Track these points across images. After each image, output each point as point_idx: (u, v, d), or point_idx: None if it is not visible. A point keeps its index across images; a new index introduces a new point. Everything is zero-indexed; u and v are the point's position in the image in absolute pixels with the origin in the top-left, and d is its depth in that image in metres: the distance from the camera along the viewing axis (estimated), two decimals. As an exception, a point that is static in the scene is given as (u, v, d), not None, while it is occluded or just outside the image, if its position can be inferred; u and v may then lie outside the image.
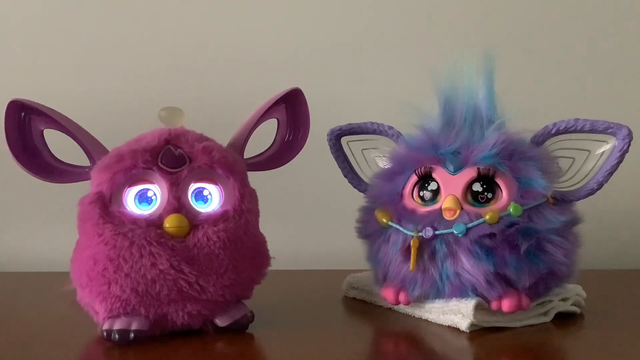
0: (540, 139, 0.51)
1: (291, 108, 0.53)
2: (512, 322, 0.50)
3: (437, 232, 0.49)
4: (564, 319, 0.53)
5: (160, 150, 0.47)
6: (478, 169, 0.50)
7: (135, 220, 0.45)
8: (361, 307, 0.58)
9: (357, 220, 0.57)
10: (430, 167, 0.52)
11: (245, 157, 0.52)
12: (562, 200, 0.50)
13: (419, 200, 0.52)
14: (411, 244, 0.49)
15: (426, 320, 0.52)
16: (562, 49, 0.87)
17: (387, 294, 0.53)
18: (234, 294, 0.48)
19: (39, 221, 0.81)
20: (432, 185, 0.52)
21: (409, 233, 0.50)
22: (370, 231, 0.54)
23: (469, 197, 0.50)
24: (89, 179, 0.48)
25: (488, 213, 0.48)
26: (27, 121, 0.46)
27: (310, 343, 0.47)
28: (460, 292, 0.49)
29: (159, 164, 0.46)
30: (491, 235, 0.48)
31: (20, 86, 0.79)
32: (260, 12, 0.84)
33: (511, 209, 0.48)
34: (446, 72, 0.53)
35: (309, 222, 0.84)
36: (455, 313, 0.49)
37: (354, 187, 0.61)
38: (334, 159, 0.61)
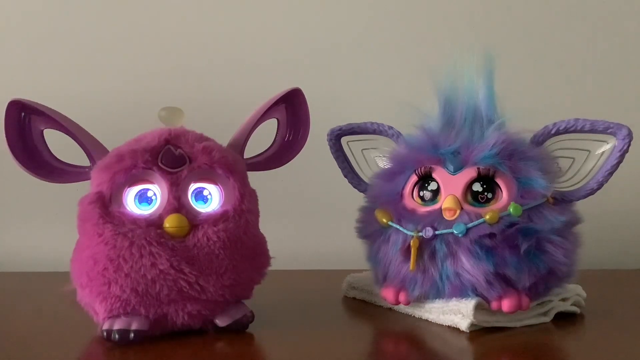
0: (540, 139, 0.51)
1: (291, 108, 0.53)
2: (512, 322, 0.50)
3: (437, 232, 0.49)
4: (564, 319, 0.53)
5: (160, 150, 0.47)
6: (478, 169, 0.50)
7: (135, 220, 0.45)
8: (361, 307, 0.58)
9: (357, 220, 0.57)
10: (430, 167, 0.52)
11: (245, 157, 0.52)
12: (562, 200, 0.50)
13: (419, 200, 0.52)
14: (411, 244, 0.49)
15: (426, 320, 0.52)
16: (562, 49, 0.87)
17: (387, 294, 0.53)
18: (234, 294, 0.48)
19: (39, 221, 0.81)
20: (432, 185, 0.52)
21: (409, 233, 0.50)
22: (370, 231, 0.54)
23: (469, 197, 0.50)
24: (89, 179, 0.48)
25: (488, 213, 0.48)
26: (27, 121, 0.46)
27: (310, 343, 0.47)
28: (460, 292, 0.49)
29: (159, 164, 0.46)
30: (491, 235, 0.48)
31: (20, 86, 0.78)
32: (260, 12, 0.84)
33: (511, 209, 0.48)
34: (446, 72, 0.53)
35: (309, 222, 0.84)
36: (455, 313, 0.49)
37: (354, 187, 0.61)
38: (334, 159, 0.61)
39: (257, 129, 0.52)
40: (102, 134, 0.49)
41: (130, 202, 0.46)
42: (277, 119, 0.54)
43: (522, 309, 0.49)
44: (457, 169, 0.50)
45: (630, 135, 0.48)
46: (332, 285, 0.64)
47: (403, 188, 0.53)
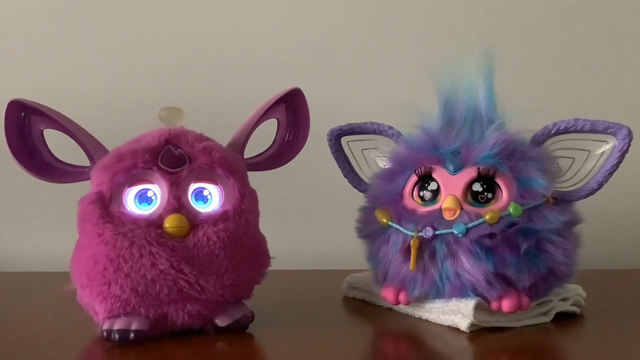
0: (540, 139, 0.51)
1: (291, 108, 0.53)
2: (512, 322, 0.50)
3: (437, 232, 0.49)
4: (564, 319, 0.53)
5: (160, 150, 0.47)
6: (478, 169, 0.50)
7: (135, 220, 0.45)
8: (361, 307, 0.58)
9: (357, 220, 0.57)
10: (430, 167, 0.52)
11: (245, 157, 0.52)
12: (562, 200, 0.50)
13: (419, 200, 0.52)
14: (411, 244, 0.49)
15: (426, 320, 0.52)
16: (562, 49, 0.87)
17: (387, 294, 0.53)
18: (234, 294, 0.48)
19: (39, 221, 0.81)
20: (432, 185, 0.52)
21: (409, 233, 0.50)
22: (370, 231, 0.54)
23: (469, 197, 0.50)
24: (89, 179, 0.48)
25: (488, 213, 0.48)
26: (27, 121, 0.46)
27: (310, 343, 0.47)
28: (460, 292, 0.49)
29: (159, 164, 0.46)
30: (491, 235, 0.48)
31: (20, 86, 0.79)
32: (261, 12, 0.84)
33: (511, 209, 0.48)
34: (446, 72, 0.53)
35: (309, 222, 0.84)
36: (455, 313, 0.49)
37: (354, 187, 0.61)
38: (334, 159, 0.61)
39: (257, 129, 0.52)
40: (102, 134, 0.49)
41: (130, 202, 0.46)
42: (277, 119, 0.54)
43: (522, 309, 0.49)
44: (457, 169, 0.50)
45: (630, 135, 0.48)
46: (332, 285, 0.64)
47: (403, 188, 0.53)
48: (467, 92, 0.52)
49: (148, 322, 0.45)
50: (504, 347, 0.46)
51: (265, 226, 0.51)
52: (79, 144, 0.47)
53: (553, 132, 0.51)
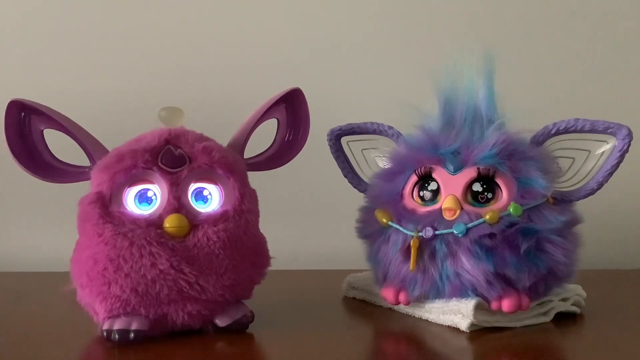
0: (540, 139, 0.51)
1: (291, 108, 0.53)
2: (512, 322, 0.50)
3: (437, 232, 0.49)
4: (564, 319, 0.53)
5: (160, 150, 0.47)
6: (478, 169, 0.50)
7: (135, 220, 0.45)
8: (361, 307, 0.58)
9: (357, 220, 0.57)
10: (430, 167, 0.52)
11: (245, 157, 0.52)
12: (562, 200, 0.50)
13: (419, 200, 0.52)
14: (411, 244, 0.49)
15: (426, 320, 0.52)
16: (562, 49, 0.87)
17: (387, 294, 0.53)
18: (234, 294, 0.48)
19: (39, 221, 0.81)
20: (432, 185, 0.52)
21: (409, 233, 0.50)
22: (370, 231, 0.54)
23: (469, 197, 0.50)
24: (89, 179, 0.48)
25: (488, 213, 0.48)
26: (27, 121, 0.46)
27: (310, 343, 0.47)
28: (460, 292, 0.49)
29: (159, 164, 0.46)
30: (491, 235, 0.48)
31: (20, 86, 0.79)
32: (261, 12, 0.84)
33: (511, 209, 0.48)
34: (446, 72, 0.53)
35: (309, 222, 0.84)
36: (455, 313, 0.49)
37: (354, 187, 0.61)
38: (334, 159, 0.61)
39: (257, 129, 0.52)
40: (102, 134, 0.49)
41: (130, 202, 0.46)
42: (277, 119, 0.54)
43: (522, 309, 0.49)
44: (457, 169, 0.50)
45: (630, 135, 0.48)
46: (332, 285, 0.64)
47: (403, 188, 0.53)
48: (467, 92, 0.52)
49: (148, 322, 0.45)
50: (504, 347, 0.46)
51: (265, 226, 0.51)
52: (79, 144, 0.47)
53: (553, 132, 0.51)
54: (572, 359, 0.47)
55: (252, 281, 0.49)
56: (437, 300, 0.51)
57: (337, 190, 0.64)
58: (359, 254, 0.56)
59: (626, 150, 0.48)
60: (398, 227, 0.51)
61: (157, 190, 0.47)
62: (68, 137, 0.47)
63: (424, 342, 0.49)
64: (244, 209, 0.48)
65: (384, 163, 0.57)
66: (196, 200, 0.47)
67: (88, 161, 0.48)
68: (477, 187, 0.50)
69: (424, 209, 0.51)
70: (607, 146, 0.49)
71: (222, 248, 0.46)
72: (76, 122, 0.47)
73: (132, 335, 0.44)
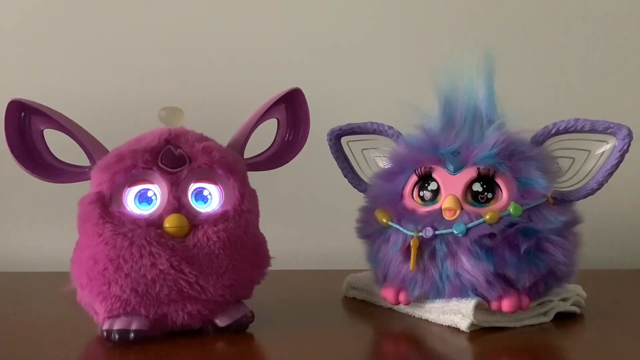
0: (540, 139, 0.51)
1: (291, 108, 0.53)
2: (512, 322, 0.50)
3: (437, 232, 0.49)
4: (564, 319, 0.53)
5: (160, 150, 0.47)
6: (478, 169, 0.50)
7: (135, 220, 0.45)
8: (361, 307, 0.58)
9: (357, 220, 0.57)
10: (430, 167, 0.52)
11: (245, 157, 0.52)
12: (562, 200, 0.50)
13: (419, 200, 0.52)
14: (411, 244, 0.49)
15: (426, 320, 0.52)
16: (562, 49, 0.87)
17: (387, 294, 0.53)
18: (234, 294, 0.48)
19: (39, 221, 0.81)
20: (432, 185, 0.52)
21: (409, 233, 0.50)
22: (370, 231, 0.54)
23: (469, 197, 0.50)
24: (89, 179, 0.48)
25: (488, 213, 0.48)
26: (27, 121, 0.46)
27: (310, 343, 0.47)
28: (460, 292, 0.49)
29: (159, 164, 0.46)
30: (491, 235, 0.48)
31: (20, 86, 0.78)
32: (261, 12, 0.84)
33: (511, 209, 0.48)
34: (446, 72, 0.53)
35: (309, 222, 0.84)
36: (455, 313, 0.49)
37: (354, 187, 0.61)
38: (334, 159, 0.61)
39: (257, 129, 0.52)
40: (102, 134, 0.49)
41: (130, 202, 0.46)
42: (277, 119, 0.54)
43: (522, 309, 0.49)
44: (457, 169, 0.50)
45: (630, 135, 0.48)
46: (332, 285, 0.64)
47: (403, 188, 0.53)
48: (467, 92, 0.52)
49: (148, 322, 0.45)
50: (504, 347, 0.46)
51: (265, 226, 0.51)
52: (79, 144, 0.47)
53: (553, 132, 0.51)
54: (572, 359, 0.47)
55: (252, 281, 0.49)
56: (437, 300, 0.51)
57: (337, 190, 0.64)
58: (359, 254, 0.56)
59: (626, 150, 0.48)
60: (398, 227, 0.51)
61: (157, 190, 0.47)
62: (68, 137, 0.47)
63: (424, 342, 0.49)
64: (244, 209, 0.48)
65: (384, 163, 0.57)
66: (196, 200, 0.47)
67: (88, 161, 0.48)
68: (477, 187, 0.50)
69: (424, 209, 0.51)
70: (607, 146, 0.49)
71: (222, 248, 0.46)
72: (76, 122, 0.47)
73: (132, 335, 0.44)
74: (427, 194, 0.52)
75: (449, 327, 0.50)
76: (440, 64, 0.53)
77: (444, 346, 0.47)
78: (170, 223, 0.45)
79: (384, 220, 0.52)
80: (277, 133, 0.55)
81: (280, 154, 0.54)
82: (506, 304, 0.48)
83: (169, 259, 0.44)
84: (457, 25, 0.86)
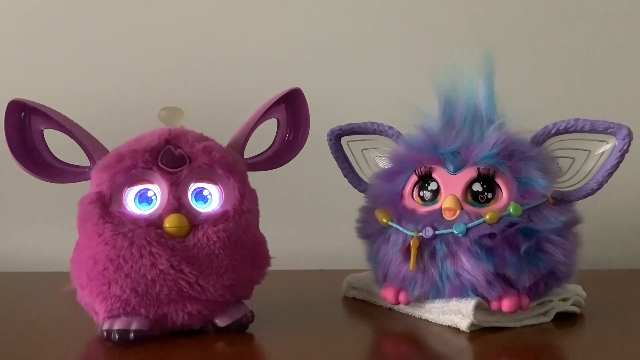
0: (540, 139, 0.51)
1: (291, 108, 0.53)
2: (512, 322, 0.50)
3: (437, 232, 0.49)
4: (564, 319, 0.53)
5: (160, 150, 0.47)
6: (478, 169, 0.50)
7: (135, 220, 0.45)
8: (361, 307, 0.58)
9: (357, 220, 0.57)
10: (430, 167, 0.52)
11: (245, 157, 0.52)
12: (562, 200, 0.50)
13: (419, 200, 0.52)
14: (411, 244, 0.49)
15: (426, 320, 0.52)
16: (562, 49, 0.87)
17: (387, 294, 0.53)
18: (234, 294, 0.48)
19: (39, 221, 0.81)
20: (432, 185, 0.52)
21: (409, 233, 0.50)
22: (370, 231, 0.54)
23: (469, 197, 0.50)
24: (89, 179, 0.48)
25: (488, 213, 0.48)
26: (27, 121, 0.46)
27: (310, 343, 0.47)
28: (460, 292, 0.49)
29: (159, 164, 0.46)
30: (491, 235, 0.48)
31: (20, 86, 0.78)
32: (261, 12, 0.84)
33: (511, 209, 0.48)
34: (446, 72, 0.53)
35: (309, 222, 0.84)
36: (455, 313, 0.49)
37: (354, 187, 0.61)
38: (334, 159, 0.61)
39: (257, 129, 0.52)
40: (102, 134, 0.49)
41: (130, 202, 0.46)
42: (277, 119, 0.54)
43: (522, 309, 0.49)
44: (457, 169, 0.50)
45: (630, 135, 0.48)
46: (332, 285, 0.64)
47: (403, 188, 0.53)
48: (467, 92, 0.52)
49: (148, 322, 0.45)
50: (504, 347, 0.46)
51: (265, 226, 0.51)
52: (79, 144, 0.47)
53: (553, 132, 0.51)
54: (572, 359, 0.47)
55: (252, 281, 0.49)
56: (437, 300, 0.51)
57: (337, 190, 0.64)
58: (359, 254, 0.56)
59: (626, 150, 0.48)
60: (398, 227, 0.51)
61: (157, 190, 0.47)
62: (68, 137, 0.47)
63: (424, 342, 0.49)
64: (244, 209, 0.48)
65: (384, 163, 0.57)
66: (196, 200, 0.47)
67: (88, 161, 0.48)
68: (477, 187, 0.50)
69: (424, 209, 0.51)
70: (607, 146, 0.49)
71: (222, 248, 0.46)
72: (76, 122, 0.47)
73: (132, 335, 0.44)
74: (427, 194, 0.52)
75: (449, 327, 0.50)
76: (440, 64, 0.53)
77: (444, 346, 0.47)
78: (170, 223, 0.45)
79: (384, 220, 0.52)
80: (277, 133, 0.55)
81: (280, 154, 0.54)
82: (506, 304, 0.48)
83: (169, 259, 0.44)
84: (457, 25, 0.86)
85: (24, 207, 0.81)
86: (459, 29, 0.85)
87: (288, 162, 0.54)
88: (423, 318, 0.53)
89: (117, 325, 0.44)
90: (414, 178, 0.53)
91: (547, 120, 0.51)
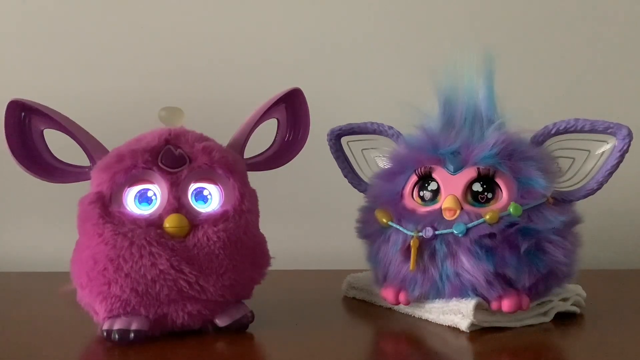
0: (540, 139, 0.51)
1: (291, 108, 0.53)
2: (512, 322, 0.50)
3: (437, 232, 0.49)
4: (564, 319, 0.53)
5: (160, 150, 0.47)
6: (478, 169, 0.50)
7: (135, 220, 0.45)
8: (361, 307, 0.58)
9: (357, 220, 0.57)
10: (430, 167, 0.52)
11: (245, 157, 0.52)
12: (562, 200, 0.50)
13: (419, 200, 0.52)
14: (411, 244, 0.49)
15: (426, 320, 0.52)
16: (562, 49, 0.87)
17: (387, 294, 0.53)
18: (234, 294, 0.48)
19: (39, 221, 0.81)
20: (432, 185, 0.52)
21: (409, 233, 0.50)
22: (370, 231, 0.54)
23: (469, 197, 0.50)
24: (89, 179, 0.48)
25: (488, 213, 0.48)
26: (27, 121, 0.46)
27: (310, 343, 0.47)
28: (460, 292, 0.49)
29: (159, 164, 0.46)
30: (491, 235, 0.48)
31: (20, 86, 0.79)
32: (261, 12, 0.84)
33: (511, 209, 0.48)
34: (446, 72, 0.53)
35: (309, 222, 0.84)
36: (455, 313, 0.49)
37: (354, 187, 0.61)
38: (334, 159, 0.61)
39: (257, 129, 0.52)
40: (102, 134, 0.49)
41: (130, 202, 0.46)
42: (277, 119, 0.54)
43: (522, 309, 0.49)
44: (457, 169, 0.50)
45: (630, 135, 0.48)
46: (332, 285, 0.64)
47: (403, 188, 0.53)
48: (467, 92, 0.52)
49: (148, 322, 0.45)
50: (504, 347, 0.46)
51: (265, 226, 0.51)
52: (79, 144, 0.47)
53: (553, 132, 0.51)
54: (572, 359, 0.47)
55: (252, 281, 0.49)
56: (437, 300, 0.51)
57: (337, 190, 0.64)
58: (359, 254, 0.56)
59: (626, 150, 0.48)
60: (398, 227, 0.51)
61: (157, 190, 0.47)
62: (68, 137, 0.47)
63: (424, 342, 0.49)
64: (244, 209, 0.48)
65: (384, 163, 0.57)
66: (196, 200, 0.47)
67: (88, 161, 0.48)
68: (477, 187, 0.50)
69: (424, 209, 0.51)
70: (607, 146, 0.49)
71: (222, 248, 0.46)
72: (76, 122, 0.47)
73: (132, 335, 0.44)
74: (427, 194, 0.52)
75: (449, 327, 0.50)
76: (440, 64, 0.53)
77: (444, 346, 0.47)
78: (170, 223, 0.45)
79: (384, 220, 0.52)
80: (277, 133, 0.55)
81: (280, 154, 0.54)
82: (506, 304, 0.48)
83: (169, 259, 0.44)
84: (457, 25, 0.86)
85: (24, 207, 0.81)
86: (459, 29, 0.85)
87: (288, 162, 0.54)
88: (423, 318, 0.53)
89: (117, 325, 0.44)
90: (414, 178, 0.53)
91: (547, 120, 0.51)
